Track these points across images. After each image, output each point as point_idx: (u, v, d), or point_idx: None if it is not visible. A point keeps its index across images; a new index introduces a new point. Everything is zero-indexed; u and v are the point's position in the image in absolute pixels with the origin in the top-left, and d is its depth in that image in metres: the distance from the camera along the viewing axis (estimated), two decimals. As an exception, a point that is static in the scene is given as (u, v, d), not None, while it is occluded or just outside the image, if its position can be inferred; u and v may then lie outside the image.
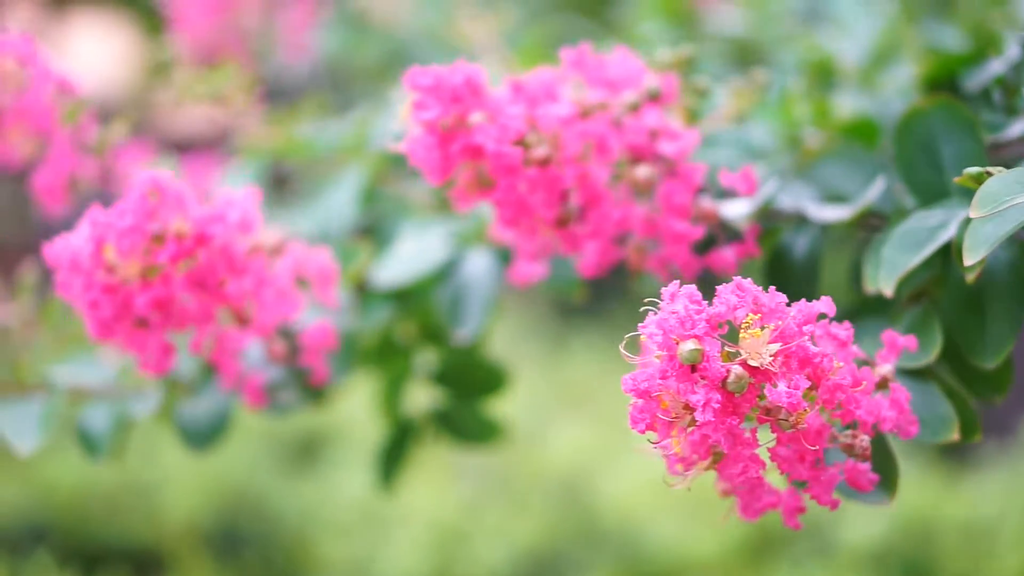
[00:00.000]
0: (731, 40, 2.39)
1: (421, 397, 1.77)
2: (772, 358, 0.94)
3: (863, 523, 3.59)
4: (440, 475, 4.01)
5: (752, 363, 0.93)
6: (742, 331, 0.94)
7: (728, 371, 0.92)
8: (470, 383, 1.72)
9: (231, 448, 4.00)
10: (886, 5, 2.02)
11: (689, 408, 0.93)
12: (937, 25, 1.86)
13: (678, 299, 0.94)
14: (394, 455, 1.76)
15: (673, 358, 0.93)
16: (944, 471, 4.12)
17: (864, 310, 1.29)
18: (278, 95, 2.03)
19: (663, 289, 0.96)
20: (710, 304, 0.94)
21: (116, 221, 1.23)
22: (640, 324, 0.95)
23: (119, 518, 3.83)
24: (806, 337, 0.95)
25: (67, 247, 1.25)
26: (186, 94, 1.80)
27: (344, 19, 2.90)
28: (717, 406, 0.91)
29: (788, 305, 0.96)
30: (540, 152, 1.20)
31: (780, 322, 0.95)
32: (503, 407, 1.80)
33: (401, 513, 3.83)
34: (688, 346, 0.92)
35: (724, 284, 0.95)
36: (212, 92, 1.80)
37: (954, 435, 1.11)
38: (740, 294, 0.95)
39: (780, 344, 0.94)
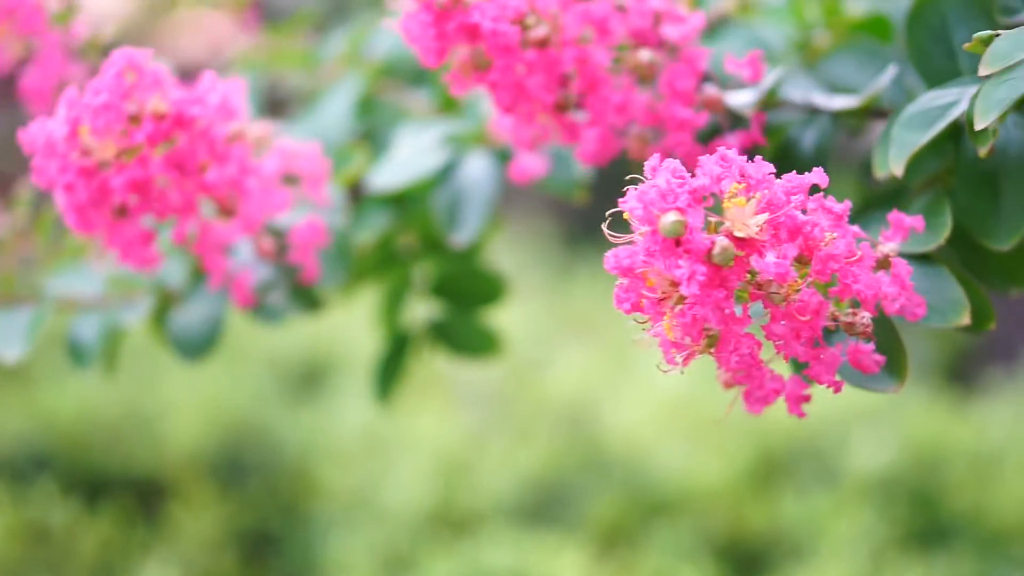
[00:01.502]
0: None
1: (419, 310, 1.75)
2: (759, 228, 0.89)
3: (869, 450, 3.61)
4: (444, 404, 4.04)
5: (738, 234, 0.89)
6: (726, 201, 0.89)
7: (713, 242, 0.88)
8: (468, 293, 1.70)
9: (234, 377, 4.03)
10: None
11: (675, 284, 0.89)
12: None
13: (660, 173, 0.90)
14: (391, 368, 1.73)
15: (655, 232, 0.88)
16: (951, 398, 4.14)
17: (874, 203, 1.25)
18: (275, 18, 1.98)
19: (645, 163, 0.92)
20: (693, 176, 0.90)
21: (91, 100, 1.19)
22: (620, 200, 0.91)
23: (122, 447, 3.85)
24: (794, 206, 0.91)
25: (42, 130, 1.21)
26: (185, 4, 1.77)
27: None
28: (702, 279, 0.87)
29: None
30: (539, 32, 1.16)
31: (767, 191, 0.90)
32: (503, 323, 1.78)
33: (404, 442, 3.85)
34: (670, 218, 0.87)
35: (707, 156, 0.91)
36: (209, 3, 1.77)
37: (965, 319, 1.06)
38: (724, 164, 0.90)
39: (767, 214, 0.90)
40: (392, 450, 3.84)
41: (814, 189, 0.93)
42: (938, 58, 1.23)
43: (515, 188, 1.48)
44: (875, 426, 3.72)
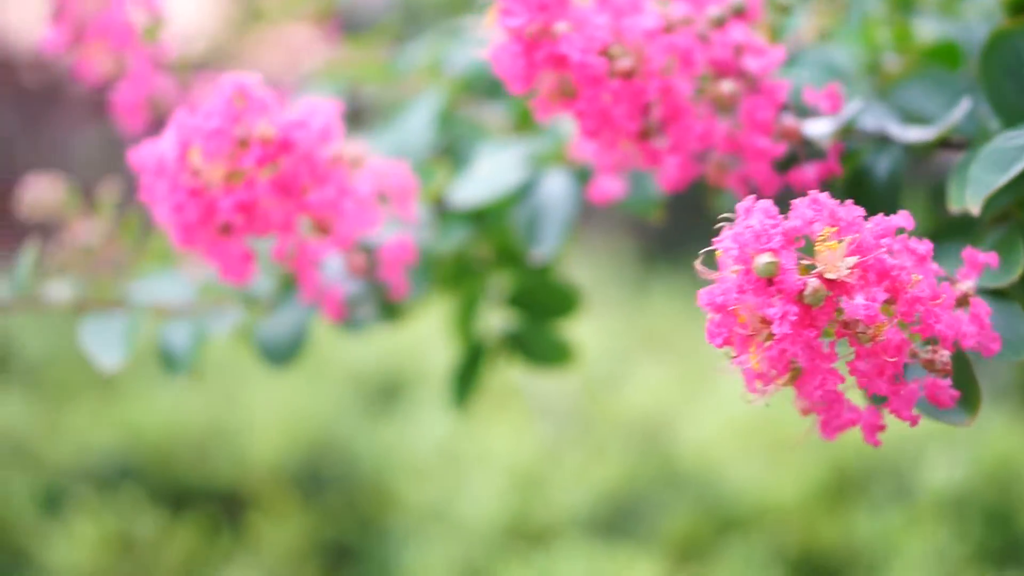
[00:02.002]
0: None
1: (494, 320, 1.79)
2: (849, 271, 0.93)
3: (943, 468, 3.59)
4: (519, 418, 4.07)
5: (829, 276, 0.93)
6: (818, 244, 0.94)
7: (805, 284, 0.92)
8: (543, 304, 1.74)
9: (314, 391, 4.09)
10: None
11: (766, 322, 0.93)
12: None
13: (754, 213, 0.94)
14: (467, 376, 1.77)
15: (749, 272, 0.93)
16: (1029, 420, 4.11)
17: (945, 232, 1.27)
18: (353, 28, 2.04)
19: (738, 204, 0.96)
20: (786, 218, 0.94)
21: (203, 124, 1.25)
22: (715, 239, 0.95)
23: (206, 460, 3.92)
24: (883, 250, 0.95)
25: (153, 151, 1.27)
26: (270, 18, 1.83)
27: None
28: (794, 319, 0.91)
29: (865, 219, 0.96)
30: (624, 64, 1.20)
31: (857, 235, 0.94)
32: (579, 337, 1.82)
33: (480, 456, 3.89)
34: (764, 259, 0.92)
35: (800, 199, 0.95)
36: (292, 14, 1.83)
37: None
38: (816, 208, 0.95)
39: (857, 257, 0.94)
40: (468, 464, 3.88)
41: (899, 231, 0.97)
42: (1012, 93, 1.26)
43: (592, 205, 1.53)
44: (949, 444, 3.70)
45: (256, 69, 1.30)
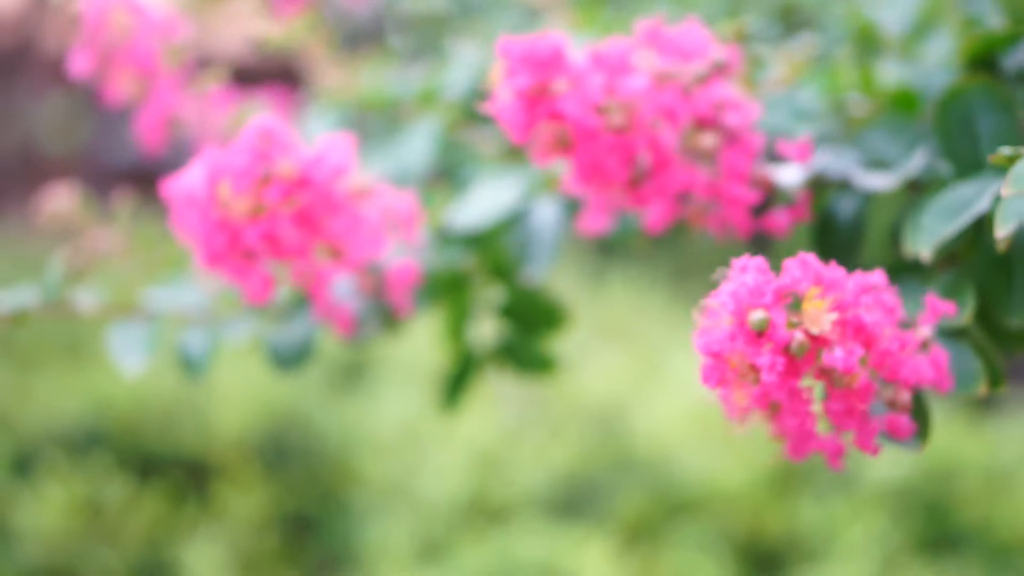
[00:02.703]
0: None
1: (484, 331, 1.90)
2: (831, 326, 1.06)
3: (886, 462, 3.74)
4: (481, 402, 4.16)
5: (813, 331, 1.05)
6: (805, 302, 1.06)
7: (792, 337, 1.04)
8: (533, 318, 1.85)
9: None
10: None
11: (755, 369, 1.05)
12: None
13: (748, 271, 1.06)
14: (458, 382, 1.89)
15: (743, 324, 1.05)
16: (968, 416, 4.24)
17: (901, 270, 1.39)
18: (339, 37, 2.15)
19: (734, 260, 1.08)
20: (776, 275, 1.07)
21: (231, 162, 1.37)
22: (714, 292, 1.07)
23: (172, 430, 4.02)
24: (862, 308, 1.08)
25: (184, 184, 1.39)
26: (269, 44, 1.94)
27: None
28: (781, 368, 1.03)
29: (846, 272, 1.09)
30: (617, 119, 1.32)
31: (839, 293, 1.07)
32: (555, 342, 1.93)
33: (442, 436, 3.99)
34: (758, 315, 1.04)
35: (781, 256, 1.08)
36: (294, 42, 1.94)
37: (982, 389, 1.23)
38: (804, 269, 1.07)
39: (838, 314, 1.06)
40: (430, 443, 3.99)
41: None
42: (963, 146, 1.40)
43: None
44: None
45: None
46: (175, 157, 1.99)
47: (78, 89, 1.76)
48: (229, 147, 1.39)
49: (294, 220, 1.41)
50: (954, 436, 3.92)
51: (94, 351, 4.24)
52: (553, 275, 1.88)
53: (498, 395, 4.29)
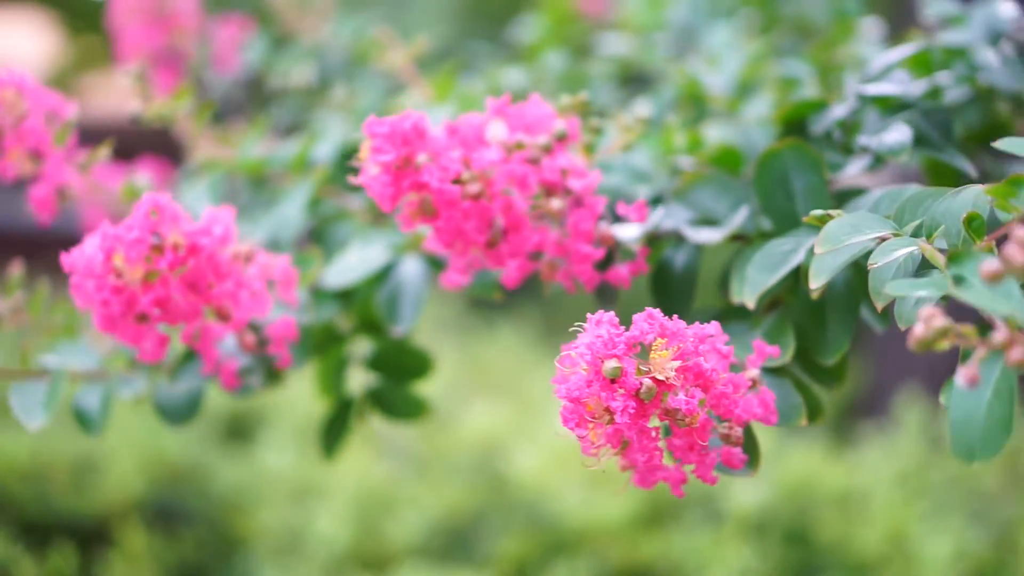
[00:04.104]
0: (618, 60, 2.70)
1: (357, 379, 2.02)
2: (674, 372, 1.21)
3: (749, 493, 3.88)
4: (365, 453, 4.27)
5: (659, 377, 1.20)
6: (652, 351, 1.20)
7: (641, 383, 1.19)
8: (400, 368, 1.98)
9: (165, 428, 4.20)
10: (750, 43, 2.35)
11: (609, 411, 1.19)
12: (793, 62, 2.18)
13: (602, 324, 1.21)
14: (336, 428, 2.01)
15: (598, 372, 1.19)
16: (825, 447, 4.43)
17: (730, 314, 1.55)
18: (211, 111, 2.28)
19: (589, 315, 1.22)
20: (627, 328, 1.21)
21: (124, 234, 1.50)
22: (570, 340, 1.22)
23: (68, 492, 4.04)
24: (701, 356, 1.23)
25: (82, 255, 1.51)
26: (148, 115, 2.06)
27: (265, 37, 3.18)
28: (632, 411, 1.18)
29: (687, 327, 1.23)
30: (474, 188, 1.47)
31: (681, 344, 1.22)
32: (428, 388, 2.05)
33: (329, 487, 4.08)
34: (611, 364, 1.18)
35: (625, 304, 1.24)
36: (171, 115, 2.07)
37: (803, 421, 1.39)
38: (650, 322, 1.21)
39: (680, 362, 1.21)
40: (318, 495, 4.07)
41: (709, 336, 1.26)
42: (780, 199, 1.57)
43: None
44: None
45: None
46: (66, 224, 2.12)
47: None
48: (122, 221, 1.52)
49: (184, 285, 1.54)
50: (811, 466, 4.08)
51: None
52: (433, 334, 2.02)
53: (381, 445, 4.41)
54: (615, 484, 3.88)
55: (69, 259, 1.53)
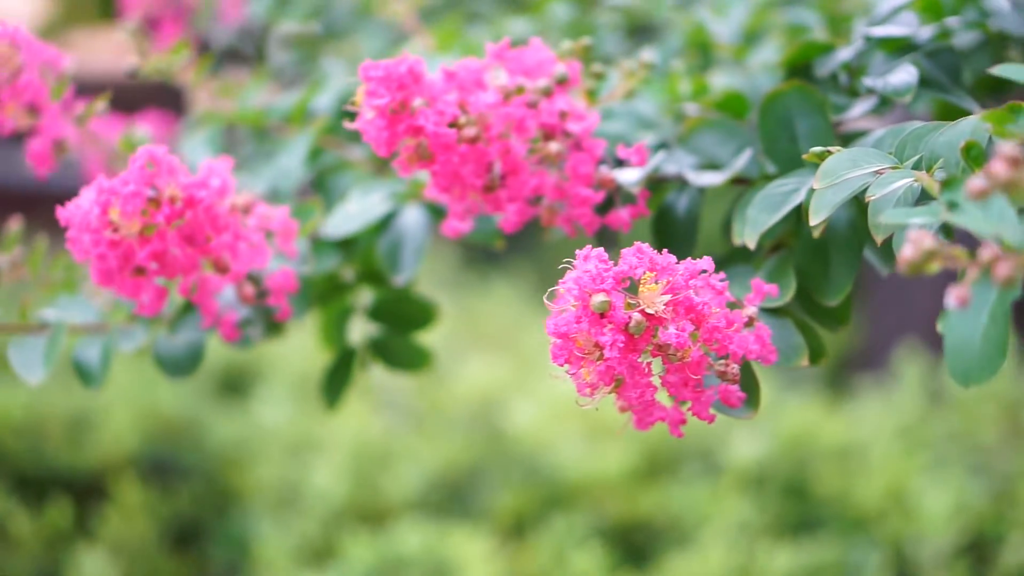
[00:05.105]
0: (624, 10, 2.67)
1: (359, 329, 2.01)
2: (664, 307, 1.19)
3: (747, 446, 3.91)
4: (362, 407, 4.27)
5: (648, 311, 1.18)
6: (641, 285, 1.19)
7: (630, 317, 1.17)
8: (403, 318, 1.98)
9: (163, 382, 4.23)
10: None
11: (598, 346, 1.17)
12: (801, 9, 2.15)
13: (590, 260, 1.19)
14: (339, 379, 2.00)
15: (586, 307, 1.17)
16: (824, 400, 4.45)
17: (733, 257, 1.54)
18: (211, 62, 2.27)
19: (578, 251, 1.21)
20: (616, 263, 1.19)
21: (120, 188, 1.47)
22: (560, 279, 1.20)
23: (63, 447, 4.05)
24: (691, 289, 1.21)
25: (78, 209, 1.49)
26: (146, 69, 2.05)
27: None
28: (621, 345, 1.16)
29: (677, 262, 1.22)
30: (471, 132, 1.45)
31: (671, 277, 1.20)
32: (428, 340, 2.05)
33: (326, 441, 4.09)
34: (599, 298, 1.16)
35: (626, 247, 1.22)
36: (169, 69, 2.06)
37: (804, 360, 1.38)
38: (639, 256, 1.20)
39: (671, 295, 1.20)
40: (315, 448, 4.09)
41: (703, 271, 1.24)
42: (783, 142, 1.55)
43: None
44: (755, 426, 4.00)
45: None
46: (64, 178, 2.10)
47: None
48: (119, 174, 1.50)
49: (181, 238, 1.53)
50: (810, 419, 4.09)
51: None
52: (430, 290, 2.02)
53: (379, 400, 4.41)
54: (613, 437, 3.91)
55: (65, 213, 1.51)
